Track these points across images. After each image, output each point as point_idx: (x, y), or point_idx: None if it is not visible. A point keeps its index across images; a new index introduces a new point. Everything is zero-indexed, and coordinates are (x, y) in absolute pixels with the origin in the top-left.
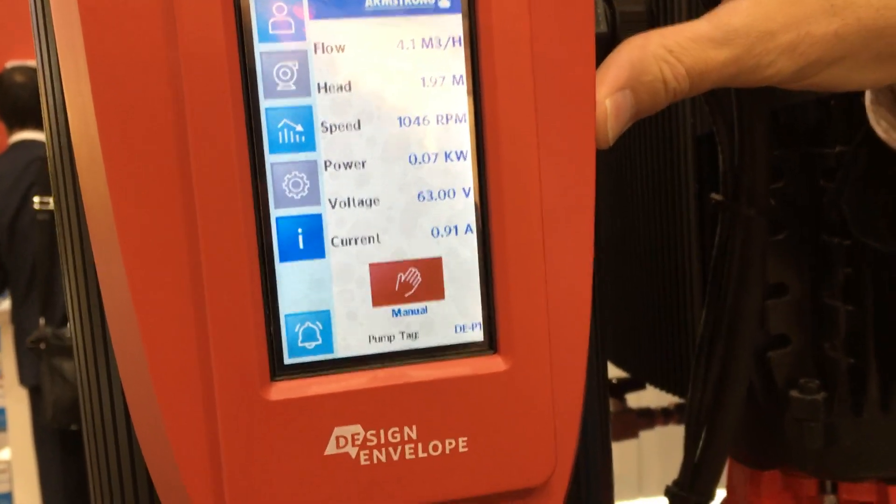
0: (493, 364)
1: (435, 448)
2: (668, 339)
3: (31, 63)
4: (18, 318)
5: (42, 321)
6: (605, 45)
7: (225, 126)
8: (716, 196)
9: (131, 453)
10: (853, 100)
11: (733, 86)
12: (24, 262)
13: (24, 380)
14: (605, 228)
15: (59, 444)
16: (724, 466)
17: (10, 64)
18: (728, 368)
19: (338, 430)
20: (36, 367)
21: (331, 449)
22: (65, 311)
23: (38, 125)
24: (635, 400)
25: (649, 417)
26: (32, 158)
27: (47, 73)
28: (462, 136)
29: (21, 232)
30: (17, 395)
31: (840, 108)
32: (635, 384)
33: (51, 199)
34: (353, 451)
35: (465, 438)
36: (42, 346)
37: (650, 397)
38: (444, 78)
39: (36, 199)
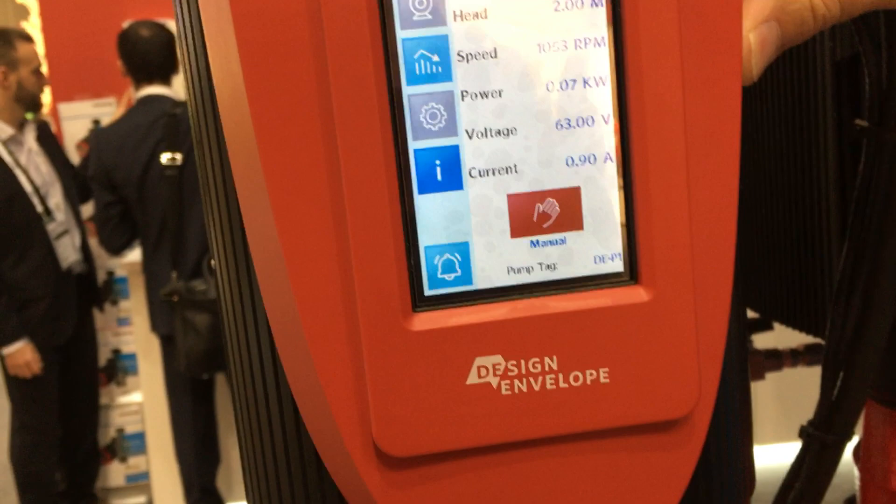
0: (634, 294)
1: (576, 378)
2: (803, 277)
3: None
4: (150, 269)
5: (174, 275)
6: None
7: (363, 58)
8: (860, 122)
9: (278, 390)
10: None
11: (887, 8)
12: (153, 215)
13: (155, 328)
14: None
15: (189, 391)
16: (863, 406)
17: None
18: (870, 306)
19: (479, 360)
20: (167, 316)
21: (472, 378)
22: (194, 263)
23: (164, 80)
24: (759, 341)
25: (777, 359)
26: (160, 114)
27: (188, 27)
28: (601, 62)
29: (150, 186)
30: (147, 341)
31: None
32: (762, 324)
33: (178, 155)
34: (494, 381)
35: (607, 369)
36: (175, 298)
37: (772, 338)
38: (581, 1)
39: (164, 155)
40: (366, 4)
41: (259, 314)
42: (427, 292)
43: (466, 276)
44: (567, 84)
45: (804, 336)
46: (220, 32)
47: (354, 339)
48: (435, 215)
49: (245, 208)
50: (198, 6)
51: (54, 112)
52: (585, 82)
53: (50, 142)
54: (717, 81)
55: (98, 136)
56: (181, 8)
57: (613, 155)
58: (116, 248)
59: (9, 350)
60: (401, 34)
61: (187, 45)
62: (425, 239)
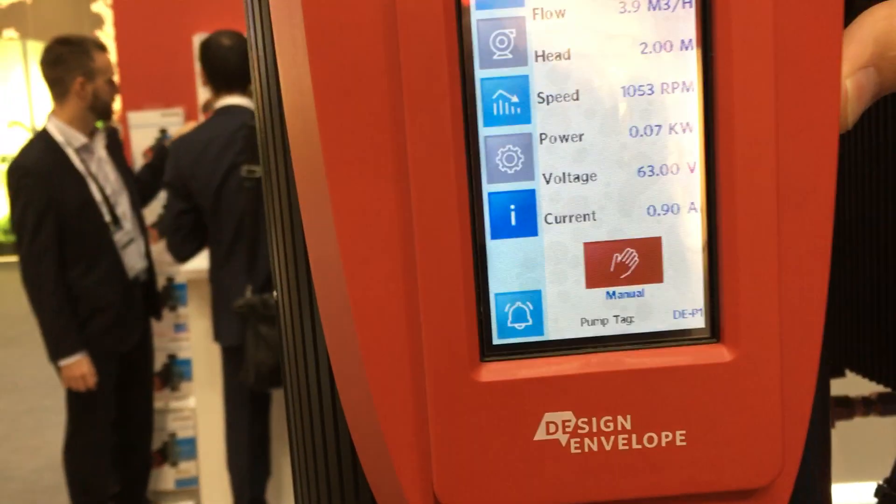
0: (715, 354)
1: (650, 440)
2: (878, 324)
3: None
4: (219, 279)
5: (249, 288)
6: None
7: (440, 98)
8: None
9: (336, 427)
10: None
11: None
12: (227, 226)
13: (219, 338)
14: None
15: (248, 404)
16: None
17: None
18: None
19: (548, 416)
20: (235, 328)
21: (540, 434)
22: (268, 276)
23: (244, 90)
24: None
25: (848, 406)
26: (239, 125)
27: (259, 43)
28: (689, 107)
29: (227, 197)
30: (203, 348)
31: None
32: (834, 370)
33: (257, 168)
34: (563, 438)
35: (684, 432)
36: (248, 311)
37: (845, 385)
38: (671, 43)
39: (244, 167)
40: (445, 41)
41: (321, 353)
42: (496, 341)
43: (538, 326)
44: (652, 129)
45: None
46: (294, 67)
47: (419, 386)
48: (507, 261)
49: (311, 244)
50: (272, 36)
51: (123, 120)
52: (671, 128)
53: (117, 149)
54: (813, 131)
55: (177, 144)
56: (255, 33)
57: (698, 205)
58: (185, 256)
59: (66, 362)
60: (479, 73)
61: (259, 71)
62: (496, 286)
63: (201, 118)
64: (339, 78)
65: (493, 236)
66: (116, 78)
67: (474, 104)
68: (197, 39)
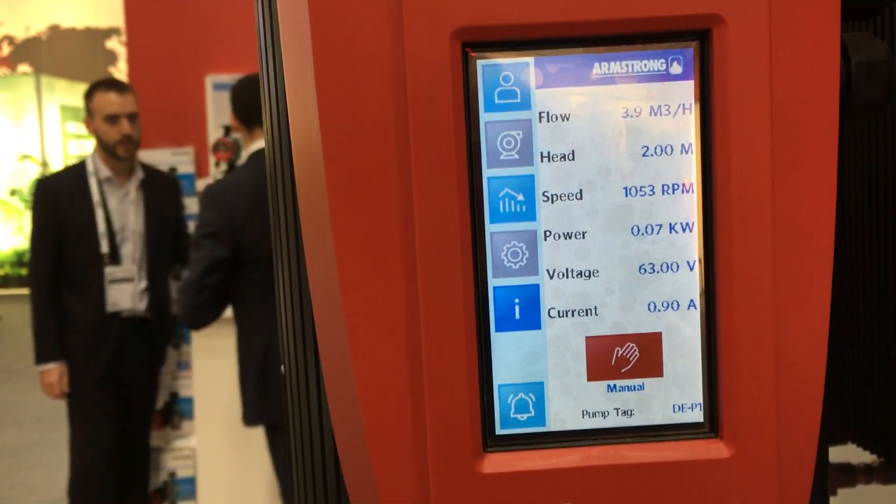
0: (714, 449)
1: None
2: (877, 399)
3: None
4: (266, 345)
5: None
6: (841, 100)
7: (448, 194)
8: None
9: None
10: None
11: None
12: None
13: (266, 416)
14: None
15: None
16: None
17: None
18: None
19: None
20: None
21: None
22: None
23: None
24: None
25: (850, 473)
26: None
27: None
28: (689, 207)
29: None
30: (205, 386)
31: None
32: (836, 438)
33: None
34: None
35: None
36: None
37: (846, 452)
38: (671, 146)
39: None
40: (454, 141)
41: (326, 435)
42: (499, 431)
43: (540, 418)
44: (653, 228)
45: None
46: (310, 157)
47: (422, 475)
48: (511, 354)
49: (320, 335)
50: (289, 133)
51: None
52: (672, 227)
53: (159, 193)
54: (810, 227)
55: (224, 188)
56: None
57: (698, 302)
58: (202, 323)
59: (41, 368)
60: (487, 172)
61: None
62: (500, 377)
63: (211, 158)
64: (351, 185)
65: (498, 329)
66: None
67: (481, 202)
68: (209, 80)
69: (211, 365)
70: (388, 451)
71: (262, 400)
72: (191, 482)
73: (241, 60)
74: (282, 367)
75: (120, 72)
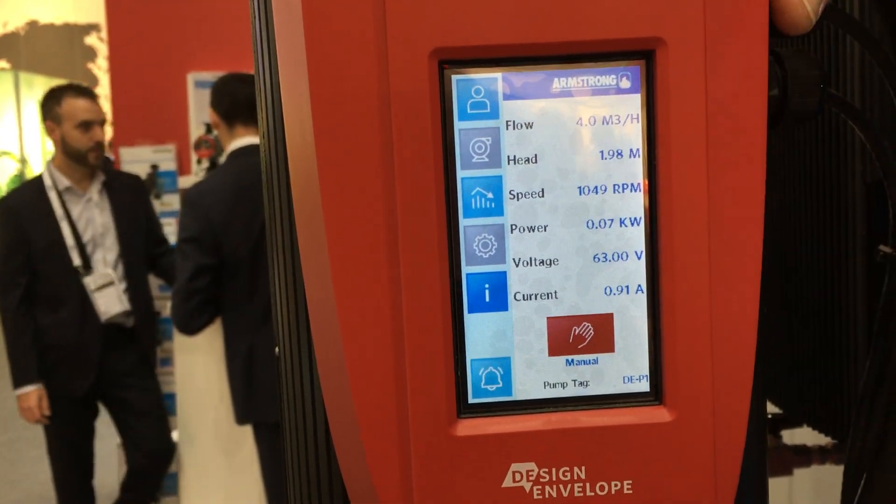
0: (657, 414)
1: (601, 488)
2: (829, 385)
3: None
4: (251, 347)
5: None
6: (778, 108)
7: (427, 192)
8: (884, 248)
9: (329, 471)
10: None
11: None
12: (264, 285)
13: (254, 414)
14: (768, 267)
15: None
16: None
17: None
18: (891, 422)
19: (514, 466)
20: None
21: (507, 482)
22: None
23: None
24: (790, 436)
25: (805, 455)
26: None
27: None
28: (637, 204)
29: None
30: (187, 382)
31: None
32: (792, 421)
33: None
34: (527, 486)
35: (630, 482)
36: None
37: (806, 434)
38: (621, 151)
39: None
40: (432, 146)
41: (318, 407)
42: (471, 400)
43: (507, 388)
44: (605, 223)
45: None
46: (305, 173)
47: (404, 439)
48: (482, 332)
49: (313, 315)
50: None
51: (115, 156)
52: (622, 222)
53: (121, 193)
54: (741, 219)
55: (202, 192)
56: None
57: (644, 287)
58: (196, 328)
59: (19, 392)
60: (461, 174)
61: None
62: (472, 353)
63: (193, 155)
64: (341, 184)
65: (470, 311)
66: (108, 113)
67: (456, 199)
68: (191, 78)
69: (192, 360)
70: (374, 417)
71: (248, 398)
72: (173, 477)
73: (223, 58)
74: (276, 349)
75: (99, 68)
